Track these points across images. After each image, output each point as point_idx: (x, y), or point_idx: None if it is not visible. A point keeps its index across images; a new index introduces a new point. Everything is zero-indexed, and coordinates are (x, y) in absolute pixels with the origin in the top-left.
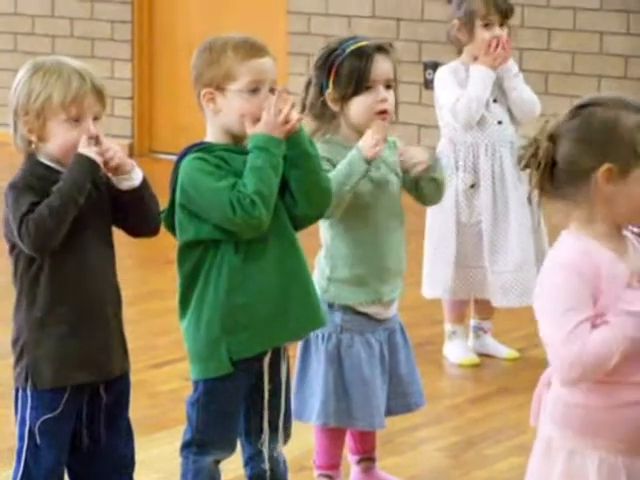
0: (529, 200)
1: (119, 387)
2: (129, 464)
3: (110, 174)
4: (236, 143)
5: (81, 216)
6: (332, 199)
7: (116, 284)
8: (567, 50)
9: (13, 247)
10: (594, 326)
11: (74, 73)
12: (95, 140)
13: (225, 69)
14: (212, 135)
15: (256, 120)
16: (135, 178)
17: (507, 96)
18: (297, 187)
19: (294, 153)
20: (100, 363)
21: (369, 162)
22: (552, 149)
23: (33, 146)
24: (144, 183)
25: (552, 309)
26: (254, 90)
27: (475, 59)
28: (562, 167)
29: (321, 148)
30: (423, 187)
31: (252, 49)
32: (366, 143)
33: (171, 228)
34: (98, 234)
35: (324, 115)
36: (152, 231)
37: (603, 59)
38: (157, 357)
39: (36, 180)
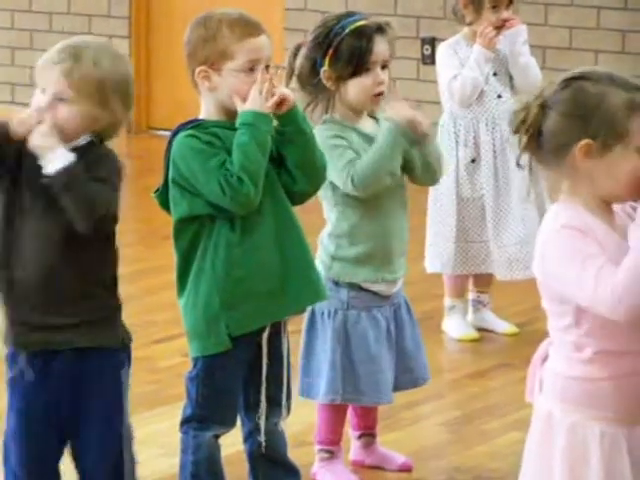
0: (517, 164)
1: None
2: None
3: None
4: (231, 119)
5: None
6: (370, 176)
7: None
8: (564, 25)
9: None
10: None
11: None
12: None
13: (221, 48)
14: (206, 112)
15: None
16: (56, 152)
17: (513, 62)
18: (294, 163)
19: (289, 129)
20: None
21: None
22: (540, 117)
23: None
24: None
25: (569, 266)
26: (250, 69)
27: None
28: (546, 137)
29: (327, 127)
30: (416, 170)
31: (248, 27)
32: (399, 111)
33: (165, 205)
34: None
35: (317, 91)
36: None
37: (600, 34)
38: (157, 333)
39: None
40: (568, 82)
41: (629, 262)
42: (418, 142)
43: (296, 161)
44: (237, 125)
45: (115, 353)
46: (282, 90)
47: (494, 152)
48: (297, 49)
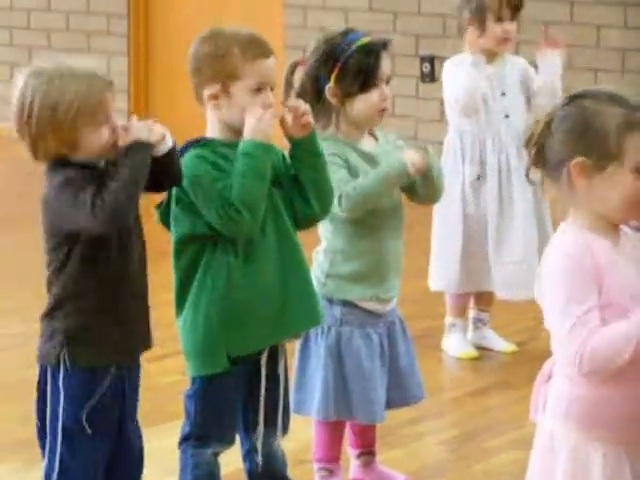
0: (527, 177)
1: (135, 376)
2: (141, 456)
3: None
4: (238, 137)
5: None
6: (360, 201)
7: (146, 265)
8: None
9: (59, 244)
10: (603, 319)
11: (90, 79)
12: (125, 130)
13: (231, 67)
14: (213, 130)
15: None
16: (168, 140)
17: (553, 91)
18: (310, 188)
19: (307, 152)
20: (133, 345)
21: (409, 176)
22: (545, 133)
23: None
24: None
25: (556, 300)
26: (258, 90)
27: (484, 52)
28: (547, 153)
29: (327, 145)
30: (418, 189)
31: (259, 48)
32: (413, 159)
33: (165, 222)
34: (137, 229)
35: (318, 108)
36: (179, 182)
37: (600, 52)
38: (154, 350)
39: (87, 175)
40: (571, 99)
41: (615, 331)
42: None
43: (311, 184)
44: (240, 151)
45: None
46: (306, 108)
47: (499, 171)
48: (294, 66)
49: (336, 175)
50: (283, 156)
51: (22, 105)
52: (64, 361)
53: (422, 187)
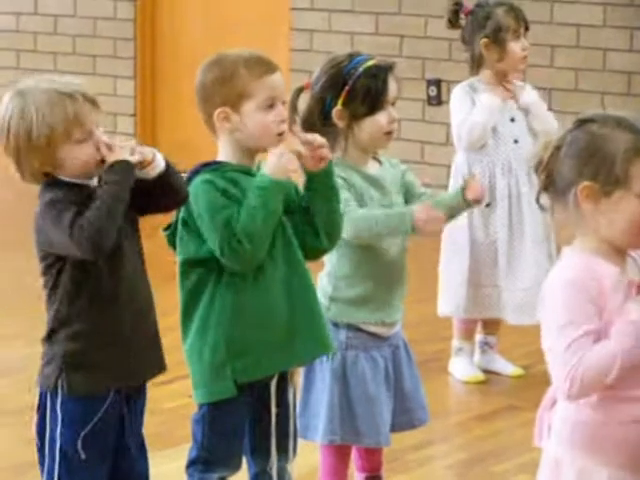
0: (537, 202)
1: (141, 402)
2: None
3: (140, 168)
4: (250, 161)
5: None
6: (362, 234)
7: (150, 288)
8: (570, 67)
9: (51, 264)
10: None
11: (64, 97)
12: (108, 148)
13: (240, 87)
14: (225, 154)
15: (273, 136)
16: (160, 162)
17: (539, 111)
18: (321, 219)
19: (323, 185)
20: (130, 368)
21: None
22: (554, 158)
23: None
24: (167, 161)
25: (553, 323)
26: (269, 106)
27: (503, 75)
28: (555, 178)
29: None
30: None
31: (264, 65)
32: (422, 216)
33: (173, 244)
34: (130, 240)
35: (324, 131)
36: (185, 200)
37: (606, 76)
38: (162, 375)
39: (73, 196)
40: (579, 124)
41: (606, 348)
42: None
43: (322, 216)
44: (255, 184)
45: None
46: (322, 141)
47: (509, 197)
48: (299, 91)
49: (341, 196)
50: (296, 187)
51: (2, 124)
52: (62, 387)
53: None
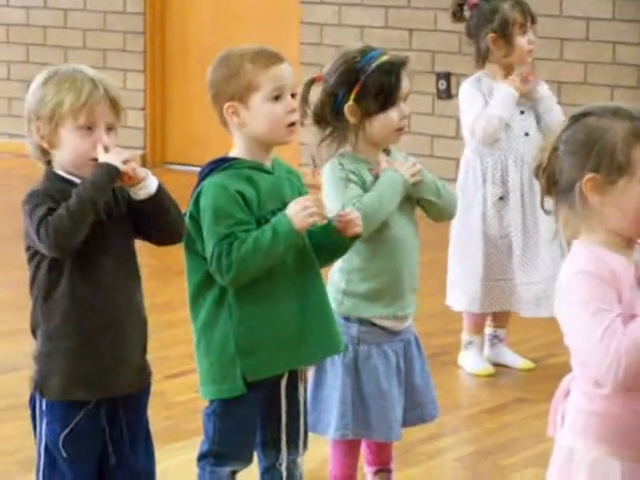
0: (542, 206)
1: (135, 403)
2: (150, 478)
3: (127, 183)
4: (264, 155)
5: (102, 235)
6: (369, 215)
7: (139, 303)
8: (580, 60)
9: (32, 256)
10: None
11: (88, 81)
12: (105, 150)
13: (246, 81)
14: (239, 150)
15: (283, 127)
16: (151, 185)
17: (550, 105)
18: (324, 259)
19: (342, 247)
20: (108, 382)
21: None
22: (553, 158)
23: (47, 156)
24: (160, 189)
25: (580, 314)
26: (277, 97)
27: (509, 68)
28: (557, 177)
29: (344, 161)
30: (425, 207)
31: (269, 57)
32: (405, 169)
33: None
34: (119, 253)
35: (336, 126)
36: (178, 237)
37: (616, 69)
38: (171, 368)
39: (55, 192)
40: (574, 119)
41: (633, 330)
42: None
43: (327, 260)
44: (272, 223)
45: None
46: (356, 217)
47: (522, 190)
48: (311, 83)
49: (350, 192)
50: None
51: (27, 99)
52: (41, 391)
53: (431, 203)
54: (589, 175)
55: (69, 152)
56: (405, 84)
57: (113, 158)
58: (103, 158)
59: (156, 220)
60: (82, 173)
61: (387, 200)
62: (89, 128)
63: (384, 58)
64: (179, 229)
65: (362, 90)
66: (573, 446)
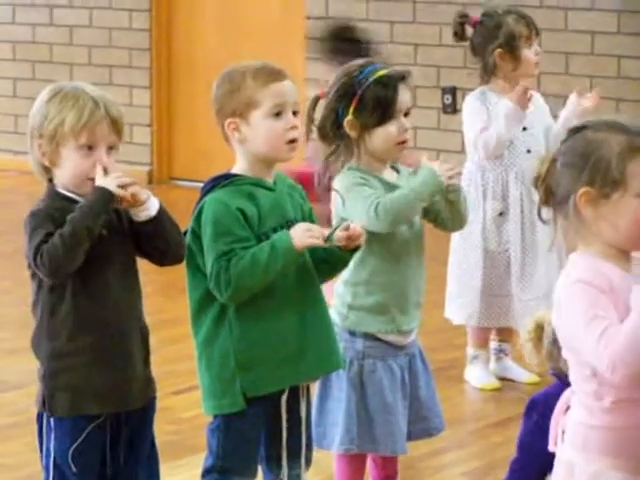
0: (539, 217)
1: (139, 417)
2: None
3: (126, 206)
4: (265, 172)
5: (104, 250)
6: (396, 210)
7: (140, 317)
8: (585, 74)
9: (34, 274)
10: None
11: (90, 100)
12: (104, 171)
13: (247, 97)
14: (241, 166)
15: (283, 144)
16: (151, 207)
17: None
18: (325, 273)
19: (342, 262)
20: (118, 396)
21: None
22: (551, 170)
23: (49, 173)
24: (161, 211)
25: (578, 322)
26: (277, 114)
27: (513, 83)
28: (554, 189)
29: (352, 173)
30: (444, 213)
31: (271, 74)
32: (442, 168)
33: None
34: (122, 268)
35: (338, 141)
36: (177, 259)
37: (621, 82)
38: (178, 384)
39: (55, 211)
40: (572, 133)
41: (626, 329)
42: (448, 191)
43: (328, 275)
44: (271, 240)
45: None
46: (360, 232)
47: (522, 206)
48: (316, 100)
49: (366, 192)
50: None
51: (30, 116)
52: (48, 408)
53: (449, 210)
54: (583, 189)
55: (69, 171)
56: (404, 97)
57: (109, 182)
58: (100, 182)
59: (156, 241)
60: (82, 192)
61: (418, 201)
62: (90, 148)
63: (382, 72)
64: (178, 251)
65: (360, 104)
66: (574, 459)
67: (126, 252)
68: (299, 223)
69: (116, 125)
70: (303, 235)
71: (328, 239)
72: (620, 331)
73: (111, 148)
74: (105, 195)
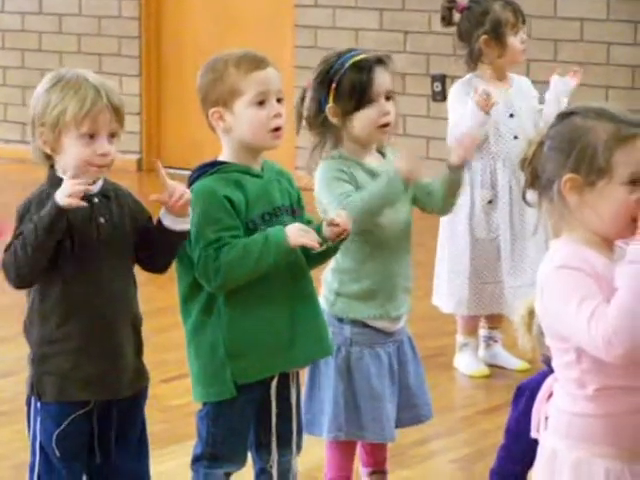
0: (524, 198)
1: (129, 406)
2: None
3: (172, 213)
4: (250, 159)
5: (100, 237)
6: (365, 210)
7: (134, 308)
8: (574, 61)
9: None
10: None
11: (91, 89)
12: (104, 157)
13: (229, 85)
14: (227, 154)
15: (267, 132)
16: (189, 222)
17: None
18: (314, 261)
19: (327, 253)
20: (106, 384)
21: (407, 184)
22: (538, 153)
23: (51, 160)
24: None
25: (566, 307)
26: (261, 102)
27: (499, 70)
28: (539, 173)
29: (334, 162)
30: (429, 196)
31: (253, 62)
32: (403, 167)
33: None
34: (117, 257)
35: (325, 129)
36: (162, 271)
37: (611, 69)
38: (167, 372)
39: (47, 197)
40: (561, 118)
41: (616, 303)
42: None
43: (317, 258)
44: (265, 233)
45: None
46: (344, 222)
47: (510, 193)
48: (304, 93)
49: (341, 188)
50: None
51: (31, 103)
52: (36, 392)
53: (443, 193)
54: (569, 175)
55: (71, 159)
56: (381, 80)
57: (61, 192)
58: (59, 192)
59: (162, 250)
60: (84, 179)
61: (384, 200)
62: (91, 136)
63: (357, 57)
64: (166, 268)
65: (337, 90)
66: (556, 447)
67: (123, 243)
68: (295, 223)
69: (118, 113)
70: (298, 234)
71: (323, 242)
72: (610, 307)
73: (113, 136)
74: (51, 211)
